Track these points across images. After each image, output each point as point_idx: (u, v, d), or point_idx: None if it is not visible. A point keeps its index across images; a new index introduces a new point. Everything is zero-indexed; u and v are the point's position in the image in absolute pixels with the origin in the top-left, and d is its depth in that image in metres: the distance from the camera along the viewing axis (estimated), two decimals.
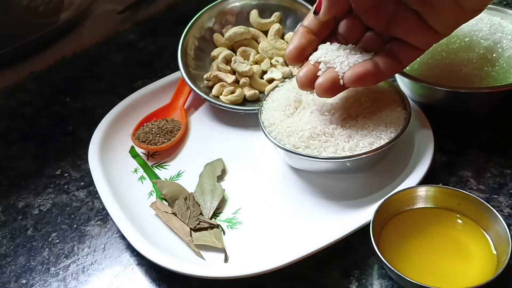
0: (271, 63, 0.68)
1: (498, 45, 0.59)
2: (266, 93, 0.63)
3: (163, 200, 0.57)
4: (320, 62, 0.51)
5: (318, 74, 0.51)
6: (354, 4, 0.51)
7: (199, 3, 0.74)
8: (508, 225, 0.46)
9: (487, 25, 0.60)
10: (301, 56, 0.52)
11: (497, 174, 0.56)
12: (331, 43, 0.52)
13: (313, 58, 0.52)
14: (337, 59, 0.50)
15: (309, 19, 0.52)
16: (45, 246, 0.56)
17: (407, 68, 0.60)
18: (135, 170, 0.61)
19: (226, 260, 0.51)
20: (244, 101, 0.66)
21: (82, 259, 0.54)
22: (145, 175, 0.61)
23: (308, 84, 0.51)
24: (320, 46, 0.52)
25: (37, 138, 0.69)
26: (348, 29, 0.52)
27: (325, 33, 0.53)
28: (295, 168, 0.58)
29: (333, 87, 0.50)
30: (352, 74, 0.49)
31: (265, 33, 0.70)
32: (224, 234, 0.53)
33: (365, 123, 0.54)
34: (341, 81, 0.50)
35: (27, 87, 0.77)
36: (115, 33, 0.84)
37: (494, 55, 0.58)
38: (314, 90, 0.51)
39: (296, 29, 0.53)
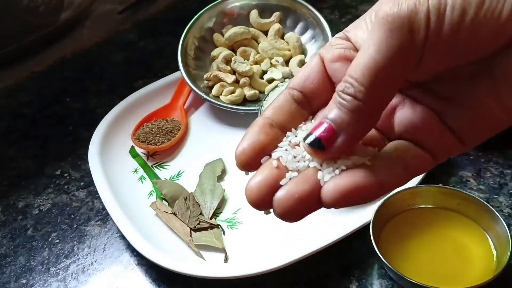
0: (271, 63, 0.68)
1: None
2: (266, 93, 0.63)
3: (163, 200, 0.57)
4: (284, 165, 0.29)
5: (281, 182, 0.29)
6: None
7: (199, 3, 0.74)
8: (508, 225, 0.46)
9: None
10: (258, 158, 0.31)
11: (497, 174, 0.56)
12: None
13: (277, 153, 0.30)
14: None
15: (274, 107, 0.31)
16: (45, 246, 0.56)
17: None
18: (135, 170, 0.61)
19: (226, 260, 0.51)
20: (244, 101, 0.66)
21: (82, 259, 0.54)
22: (145, 175, 0.61)
23: (263, 202, 0.31)
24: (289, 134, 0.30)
25: (37, 138, 0.68)
26: None
27: (296, 127, 0.31)
28: None
29: (301, 206, 0.30)
30: (335, 190, 0.28)
31: (265, 33, 0.70)
32: (224, 234, 0.53)
33: None
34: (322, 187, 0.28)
35: (27, 87, 0.76)
36: (115, 33, 0.84)
37: None
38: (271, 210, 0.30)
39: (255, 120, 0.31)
